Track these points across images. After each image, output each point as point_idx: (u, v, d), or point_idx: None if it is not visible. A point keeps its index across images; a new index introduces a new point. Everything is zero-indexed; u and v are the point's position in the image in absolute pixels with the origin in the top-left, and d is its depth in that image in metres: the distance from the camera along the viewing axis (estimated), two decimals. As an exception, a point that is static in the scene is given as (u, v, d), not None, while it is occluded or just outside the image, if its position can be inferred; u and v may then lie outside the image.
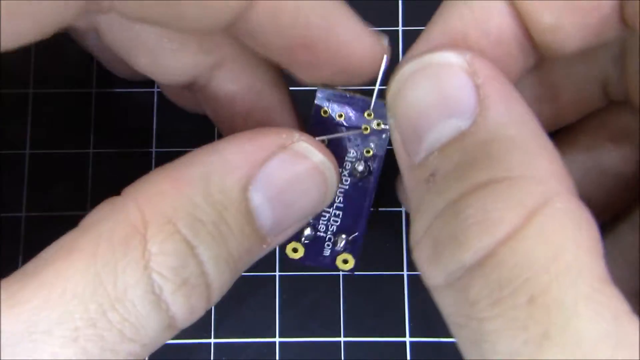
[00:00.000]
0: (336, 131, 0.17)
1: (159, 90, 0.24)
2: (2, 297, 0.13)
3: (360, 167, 0.17)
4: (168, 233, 0.14)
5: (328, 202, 0.17)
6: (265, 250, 0.16)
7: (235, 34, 0.15)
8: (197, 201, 0.14)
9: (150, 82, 0.24)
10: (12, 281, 0.14)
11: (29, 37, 0.13)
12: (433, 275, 0.13)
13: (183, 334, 0.23)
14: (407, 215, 0.24)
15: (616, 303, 0.11)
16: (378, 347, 0.23)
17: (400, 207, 0.24)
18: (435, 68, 0.14)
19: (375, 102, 0.17)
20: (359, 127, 0.17)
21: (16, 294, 0.13)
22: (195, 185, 0.14)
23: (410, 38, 0.24)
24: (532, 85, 0.19)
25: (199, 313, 0.15)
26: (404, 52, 0.24)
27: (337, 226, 0.18)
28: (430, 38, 0.16)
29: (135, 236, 0.14)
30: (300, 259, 0.18)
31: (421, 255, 0.14)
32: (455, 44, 0.15)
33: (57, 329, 0.13)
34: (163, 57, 0.18)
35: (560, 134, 0.19)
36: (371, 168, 0.17)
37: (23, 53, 0.24)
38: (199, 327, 0.23)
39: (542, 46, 0.15)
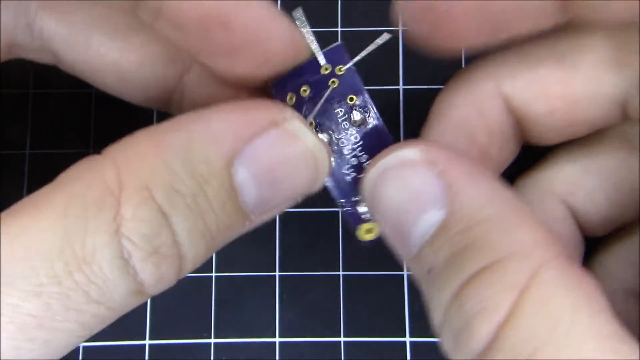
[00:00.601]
0: (312, 106, 0.17)
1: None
2: None
3: (357, 116, 0.17)
4: (142, 198, 0.13)
5: (318, 185, 0.16)
6: (247, 227, 0.15)
7: (147, 15, 0.15)
8: (176, 169, 0.14)
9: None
10: None
11: None
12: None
13: (183, 334, 0.23)
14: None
15: (626, 354, 0.12)
16: (378, 347, 0.23)
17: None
18: (397, 168, 0.15)
19: (322, 53, 0.16)
20: (326, 86, 0.17)
21: None
22: (176, 152, 0.14)
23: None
24: None
25: (170, 282, 0.14)
26: (404, 53, 0.24)
27: None
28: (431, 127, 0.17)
29: (108, 197, 0.13)
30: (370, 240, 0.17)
31: (446, 346, 0.14)
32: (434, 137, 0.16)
33: (20, 282, 0.13)
34: (128, 72, 0.18)
35: (575, 142, 0.19)
36: (365, 109, 0.17)
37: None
38: (199, 327, 0.23)
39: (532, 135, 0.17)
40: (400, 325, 0.23)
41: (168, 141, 0.14)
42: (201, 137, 0.14)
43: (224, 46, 0.15)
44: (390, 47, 0.24)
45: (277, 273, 0.23)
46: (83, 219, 0.13)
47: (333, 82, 0.17)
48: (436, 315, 0.14)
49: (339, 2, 0.25)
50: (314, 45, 0.16)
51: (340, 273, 0.23)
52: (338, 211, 0.24)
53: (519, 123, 0.18)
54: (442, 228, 0.14)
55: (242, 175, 0.14)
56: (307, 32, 0.16)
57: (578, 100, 0.17)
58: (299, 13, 0.16)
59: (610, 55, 0.16)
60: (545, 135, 0.18)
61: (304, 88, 0.17)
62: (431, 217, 0.14)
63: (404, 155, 0.15)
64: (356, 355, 0.23)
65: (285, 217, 0.24)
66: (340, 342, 0.23)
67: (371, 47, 0.17)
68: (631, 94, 0.16)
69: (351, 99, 0.17)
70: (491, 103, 0.17)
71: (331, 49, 0.17)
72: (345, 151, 0.17)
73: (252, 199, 0.14)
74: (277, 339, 0.23)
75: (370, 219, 0.17)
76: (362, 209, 0.17)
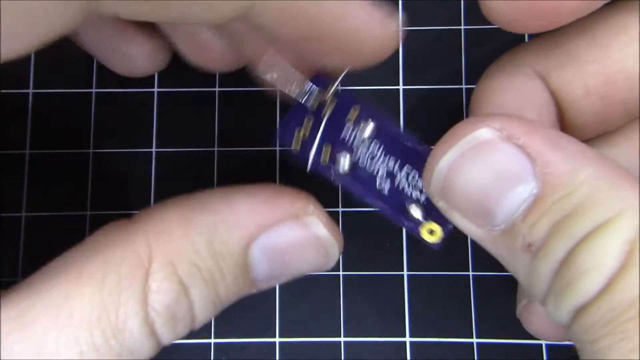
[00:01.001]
0: (320, 132, 0.17)
1: (159, 90, 0.24)
2: (12, 314, 0.14)
3: (367, 131, 0.17)
4: (168, 273, 0.15)
5: (326, 269, 0.17)
6: (254, 291, 0.17)
7: (240, 27, 0.16)
8: (199, 249, 0.15)
9: (150, 82, 0.24)
10: (21, 296, 0.14)
11: (29, 46, 0.13)
12: (561, 318, 0.14)
13: (183, 334, 0.23)
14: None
15: None
16: (378, 347, 0.23)
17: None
18: (474, 151, 0.14)
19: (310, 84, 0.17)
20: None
21: (26, 313, 0.14)
22: (201, 233, 0.15)
23: (410, 38, 0.24)
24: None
25: (181, 336, 0.16)
26: (404, 53, 0.24)
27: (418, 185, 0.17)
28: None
29: (140, 269, 0.15)
30: (435, 244, 0.17)
31: (549, 309, 0.14)
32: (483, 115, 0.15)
33: (65, 351, 0.14)
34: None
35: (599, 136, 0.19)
36: (372, 118, 0.17)
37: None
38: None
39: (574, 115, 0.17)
40: (400, 325, 0.23)
41: (195, 222, 0.15)
42: (226, 222, 0.15)
43: (317, 52, 0.16)
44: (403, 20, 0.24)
45: (277, 273, 0.23)
46: (118, 290, 0.14)
47: (329, 103, 0.17)
48: (540, 287, 0.14)
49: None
50: (296, 91, 0.17)
51: (341, 273, 0.23)
52: (338, 211, 0.24)
53: (558, 108, 0.18)
54: (538, 201, 0.13)
55: (257, 256, 0.16)
56: (279, 81, 0.17)
57: (613, 78, 0.16)
58: (266, 73, 0.17)
59: None
60: (583, 120, 0.18)
61: (306, 120, 0.17)
62: (521, 192, 0.14)
63: (480, 135, 0.14)
64: (356, 355, 0.23)
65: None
66: (340, 342, 0.23)
67: (342, 76, 0.17)
68: None
69: (354, 111, 0.17)
70: (532, 85, 0.17)
71: (312, 80, 0.17)
72: (373, 165, 0.17)
73: (262, 275, 0.16)
74: (277, 339, 0.23)
75: (427, 220, 0.17)
76: (415, 212, 0.17)
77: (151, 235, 0.15)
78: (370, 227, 0.24)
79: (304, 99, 0.17)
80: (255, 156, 0.24)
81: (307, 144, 0.17)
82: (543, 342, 0.23)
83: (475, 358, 0.23)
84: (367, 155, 0.17)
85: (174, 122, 0.24)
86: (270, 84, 0.17)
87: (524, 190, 0.13)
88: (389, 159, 0.17)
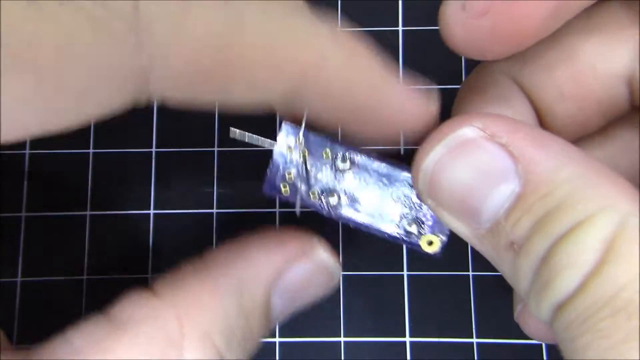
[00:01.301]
0: (303, 181, 0.18)
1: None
2: None
3: (342, 164, 0.17)
4: (206, 346, 0.15)
5: (330, 290, 0.18)
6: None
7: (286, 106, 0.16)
8: (232, 314, 0.15)
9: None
10: None
11: (72, 122, 0.13)
12: (542, 316, 0.14)
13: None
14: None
15: None
16: (378, 347, 0.23)
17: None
18: (458, 150, 0.14)
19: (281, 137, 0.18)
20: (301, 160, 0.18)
21: None
22: (231, 298, 0.16)
23: (410, 38, 0.24)
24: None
25: None
26: (404, 52, 0.24)
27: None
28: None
29: (173, 348, 0.14)
30: (435, 253, 0.18)
31: (531, 307, 0.14)
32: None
33: None
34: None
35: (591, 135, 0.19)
36: (347, 153, 0.17)
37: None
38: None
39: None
40: (400, 326, 0.23)
41: (222, 287, 0.16)
42: (249, 280, 0.16)
43: (356, 127, 0.16)
44: (391, 45, 0.24)
45: (277, 273, 0.23)
46: None
47: (303, 152, 0.17)
48: (523, 285, 0.14)
49: (339, 2, 0.25)
50: (267, 144, 0.18)
51: (341, 273, 0.23)
52: (338, 211, 0.24)
53: (536, 112, 0.18)
54: (520, 199, 0.13)
55: (276, 301, 0.17)
56: (252, 139, 0.17)
57: (584, 81, 0.17)
58: (236, 134, 0.17)
59: (613, 30, 0.16)
60: (561, 123, 0.18)
61: (288, 172, 0.18)
62: (504, 191, 0.14)
63: (463, 134, 0.14)
64: (356, 355, 0.23)
65: (285, 217, 0.24)
66: (340, 342, 0.23)
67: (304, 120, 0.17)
68: (634, 68, 0.16)
69: (327, 155, 0.18)
70: (510, 92, 0.17)
71: (281, 132, 0.18)
72: (362, 198, 0.18)
73: (278, 314, 0.17)
74: (278, 339, 0.23)
75: (423, 233, 0.18)
76: (410, 228, 0.17)
77: (180, 310, 0.15)
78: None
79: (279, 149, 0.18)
80: (256, 156, 0.24)
81: (293, 189, 0.18)
82: (543, 343, 0.23)
83: (475, 358, 0.23)
84: (349, 188, 0.18)
85: (174, 122, 0.24)
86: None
87: (507, 189, 0.14)
88: (368, 185, 0.18)
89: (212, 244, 0.23)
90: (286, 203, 0.23)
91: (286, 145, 0.18)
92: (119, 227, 0.23)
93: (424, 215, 0.17)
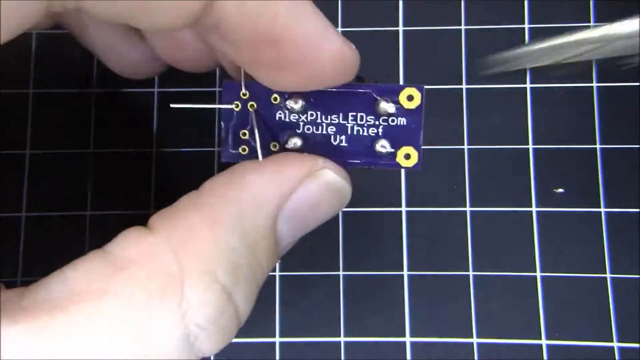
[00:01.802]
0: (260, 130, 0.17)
1: (159, 90, 0.24)
2: (34, 327, 0.13)
3: (297, 106, 0.17)
4: (208, 283, 0.14)
5: (340, 210, 0.18)
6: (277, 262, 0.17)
7: (200, 29, 0.15)
8: (235, 246, 0.14)
9: (150, 82, 0.24)
10: (42, 310, 0.13)
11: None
12: None
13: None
14: (407, 215, 0.24)
15: None
16: (378, 347, 0.23)
17: (400, 207, 0.24)
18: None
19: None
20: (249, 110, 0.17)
21: (47, 328, 0.13)
22: (232, 228, 0.14)
23: (410, 38, 0.24)
24: None
25: (229, 342, 0.15)
26: (404, 52, 0.24)
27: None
28: None
29: (171, 284, 0.13)
30: (415, 165, 0.17)
31: None
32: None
33: None
34: None
35: None
36: (296, 94, 0.17)
37: (23, 53, 0.24)
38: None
39: None
40: (400, 325, 0.23)
41: (221, 217, 0.14)
42: (249, 206, 0.15)
43: (272, 63, 0.15)
44: (391, 45, 0.24)
45: (277, 273, 0.23)
46: (147, 308, 0.13)
47: (251, 105, 0.17)
48: None
49: (339, 2, 0.25)
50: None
51: (341, 273, 0.23)
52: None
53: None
54: None
55: (283, 228, 0.15)
56: (193, 106, 0.17)
57: None
58: (176, 106, 0.17)
59: None
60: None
61: (242, 132, 0.17)
62: None
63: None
64: (356, 355, 0.23)
65: (286, 217, 0.24)
66: (340, 342, 0.23)
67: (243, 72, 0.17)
68: None
69: (275, 99, 0.17)
70: None
71: (224, 92, 0.17)
72: (320, 130, 0.17)
73: (287, 243, 0.16)
74: (277, 339, 0.23)
75: (397, 147, 0.17)
76: (382, 146, 0.17)
77: (177, 246, 0.14)
78: (371, 227, 0.24)
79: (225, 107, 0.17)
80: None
81: (251, 145, 0.17)
82: (543, 342, 0.23)
83: (476, 358, 0.23)
84: (310, 125, 0.17)
85: (174, 122, 0.24)
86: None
87: None
88: (330, 116, 0.17)
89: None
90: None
91: (232, 104, 0.17)
92: (120, 228, 0.23)
93: (392, 129, 0.17)
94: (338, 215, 0.23)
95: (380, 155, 0.17)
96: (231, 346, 0.23)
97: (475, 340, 0.23)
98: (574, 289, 0.23)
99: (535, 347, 0.23)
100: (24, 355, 0.12)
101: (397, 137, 0.17)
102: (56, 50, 0.24)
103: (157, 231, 0.14)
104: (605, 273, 0.23)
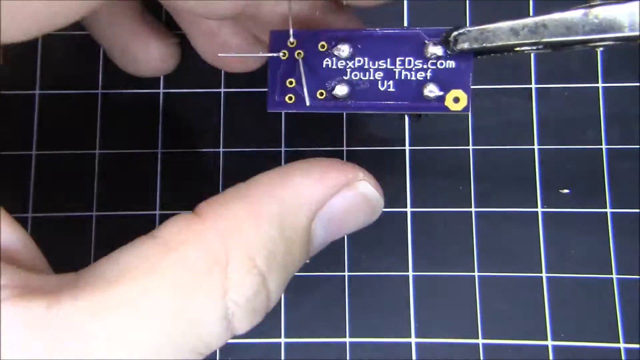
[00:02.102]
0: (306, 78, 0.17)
1: (165, 91, 0.24)
2: (91, 302, 0.14)
3: (344, 52, 0.17)
4: (248, 267, 0.15)
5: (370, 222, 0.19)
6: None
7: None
8: (274, 237, 0.16)
9: (156, 83, 0.24)
10: (95, 287, 0.14)
11: (32, 32, 0.14)
12: None
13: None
14: (412, 215, 0.23)
15: None
16: (384, 347, 0.23)
17: (405, 207, 0.24)
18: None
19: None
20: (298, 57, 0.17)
21: (102, 305, 0.14)
22: (274, 223, 0.16)
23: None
24: None
25: (255, 325, 0.17)
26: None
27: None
28: None
29: (217, 266, 0.15)
30: (464, 109, 0.17)
31: None
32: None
33: (141, 346, 0.14)
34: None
35: None
36: (342, 40, 0.17)
37: (29, 54, 0.24)
38: (205, 328, 0.23)
39: None
40: (406, 326, 0.23)
41: (264, 211, 0.16)
42: (291, 206, 0.16)
43: None
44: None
45: (282, 273, 0.23)
46: (195, 287, 0.15)
47: (299, 53, 0.17)
48: None
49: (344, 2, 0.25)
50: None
51: (346, 273, 0.23)
52: (343, 212, 0.24)
53: None
54: None
55: (317, 230, 0.17)
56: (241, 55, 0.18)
57: None
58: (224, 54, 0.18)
59: None
60: None
61: (289, 81, 0.17)
62: None
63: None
64: (362, 356, 0.23)
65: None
66: (345, 342, 0.23)
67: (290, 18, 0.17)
68: None
69: (323, 47, 0.17)
70: None
71: (271, 41, 0.17)
72: (367, 75, 0.17)
73: (319, 244, 0.17)
74: (283, 340, 0.23)
75: (446, 90, 0.17)
76: (431, 90, 0.17)
77: (225, 233, 0.15)
78: (376, 227, 0.24)
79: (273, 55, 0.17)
80: (261, 156, 0.24)
81: (297, 93, 0.17)
82: (549, 343, 0.23)
83: (481, 358, 0.23)
84: (357, 71, 0.17)
85: (180, 123, 0.24)
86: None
87: None
88: (378, 62, 0.17)
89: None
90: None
91: (279, 53, 0.17)
92: (125, 228, 0.24)
93: (441, 72, 0.17)
94: (343, 215, 0.23)
95: (429, 99, 0.17)
96: (236, 346, 0.23)
97: (480, 341, 0.23)
98: (580, 290, 0.23)
99: (541, 348, 0.23)
100: (82, 329, 0.14)
101: (446, 81, 0.17)
102: (62, 51, 0.25)
103: (205, 218, 0.16)
104: (612, 274, 0.23)
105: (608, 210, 0.23)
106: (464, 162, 0.24)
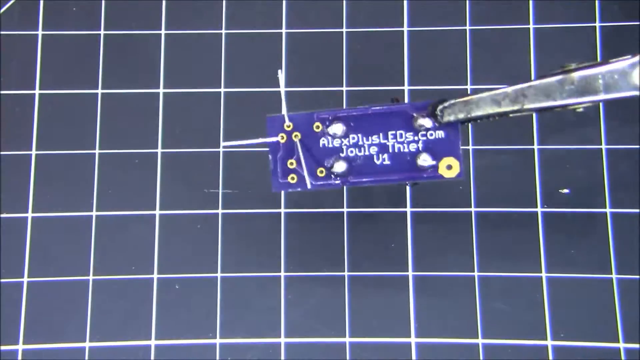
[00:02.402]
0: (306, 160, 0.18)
1: (165, 91, 0.24)
2: None
3: (338, 130, 0.18)
4: None
5: None
6: None
7: None
8: None
9: (155, 83, 0.24)
10: None
11: None
12: None
13: (189, 334, 0.23)
14: (412, 215, 0.23)
15: None
16: (384, 347, 0.23)
17: (405, 207, 0.24)
18: None
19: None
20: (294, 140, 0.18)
21: None
22: None
23: (415, 38, 0.24)
24: None
25: None
26: (409, 53, 0.24)
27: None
28: None
29: None
30: (457, 175, 0.18)
31: None
32: None
33: None
34: None
35: None
36: (335, 120, 0.18)
37: (29, 54, 0.24)
38: (205, 327, 0.23)
39: None
40: (406, 326, 0.23)
41: None
42: None
43: None
44: (395, 45, 0.24)
45: (282, 273, 0.23)
46: None
47: (295, 135, 0.18)
48: None
49: (344, 2, 0.25)
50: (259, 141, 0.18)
51: (346, 274, 0.23)
52: (343, 212, 0.24)
53: None
54: None
55: None
56: (243, 143, 0.18)
57: None
58: (228, 145, 0.19)
59: None
60: None
61: (289, 162, 0.18)
62: None
63: None
64: (362, 356, 0.23)
65: (290, 217, 0.24)
66: (345, 342, 0.23)
67: (284, 104, 0.18)
68: None
69: (318, 127, 0.18)
70: None
71: (268, 126, 0.18)
72: (362, 150, 0.18)
73: None
74: (283, 340, 0.23)
75: (438, 159, 0.18)
76: (424, 160, 0.18)
77: None
78: (376, 228, 0.24)
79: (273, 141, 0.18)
80: (261, 156, 0.24)
81: (300, 176, 0.18)
82: (549, 343, 0.23)
83: (481, 358, 0.23)
84: (353, 147, 0.18)
85: (180, 123, 0.24)
86: None
87: None
88: (371, 137, 0.18)
89: (217, 244, 0.23)
90: (293, 200, 0.23)
91: (277, 137, 0.18)
92: (125, 228, 0.23)
93: (431, 142, 0.18)
94: (343, 216, 0.23)
95: (423, 168, 0.18)
96: (237, 346, 0.23)
97: (480, 340, 0.23)
98: (580, 290, 0.23)
99: (540, 347, 0.23)
100: None
101: (437, 150, 0.18)
102: (62, 51, 0.25)
103: None
104: (611, 274, 0.23)
105: (608, 210, 0.23)
106: (464, 162, 0.24)
